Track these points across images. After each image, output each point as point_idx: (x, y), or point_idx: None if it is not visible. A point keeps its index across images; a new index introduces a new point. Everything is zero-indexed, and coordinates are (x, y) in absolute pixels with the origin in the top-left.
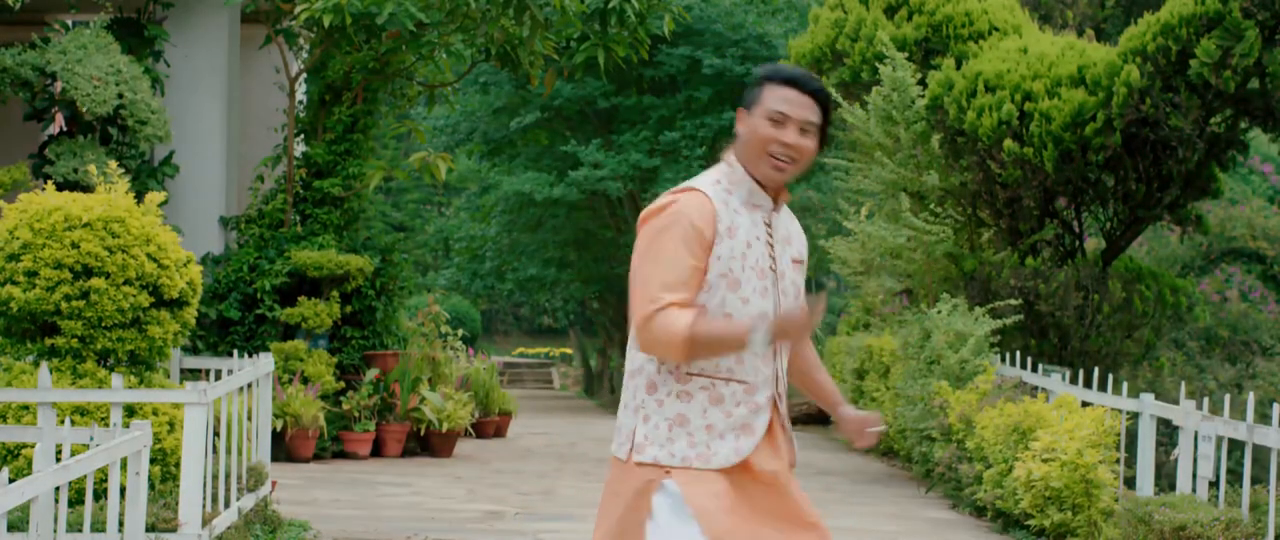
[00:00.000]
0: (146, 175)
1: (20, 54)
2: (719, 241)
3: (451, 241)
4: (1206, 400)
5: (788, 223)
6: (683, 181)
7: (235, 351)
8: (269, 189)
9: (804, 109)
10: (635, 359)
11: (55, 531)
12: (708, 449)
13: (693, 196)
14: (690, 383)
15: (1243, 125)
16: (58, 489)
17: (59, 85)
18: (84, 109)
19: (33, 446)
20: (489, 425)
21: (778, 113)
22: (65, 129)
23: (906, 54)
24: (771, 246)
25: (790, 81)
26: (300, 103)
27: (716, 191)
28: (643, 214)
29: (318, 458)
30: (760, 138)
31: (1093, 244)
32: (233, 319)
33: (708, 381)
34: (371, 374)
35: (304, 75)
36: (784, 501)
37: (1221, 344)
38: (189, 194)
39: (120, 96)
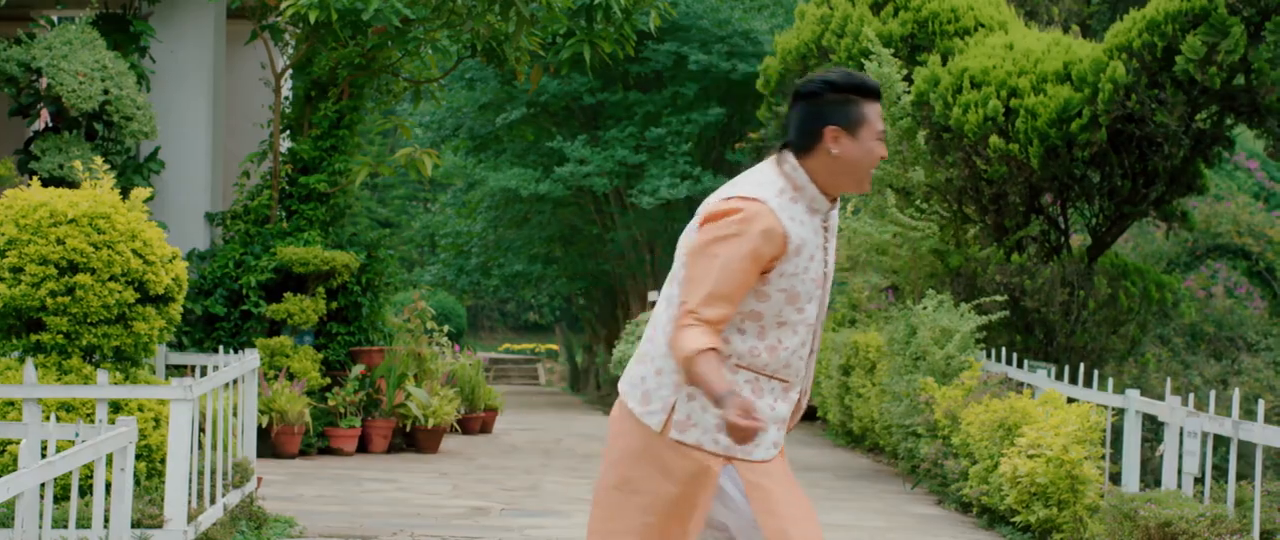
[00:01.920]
0: (132, 171)
1: (6, 50)
2: (786, 260)
3: (437, 237)
4: (1191, 396)
5: (833, 214)
6: (739, 182)
7: (221, 348)
8: (255, 185)
9: None
10: None
11: (41, 528)
12: (753, 445)
13: (762, 212)
14: (738, 373)
15: (1228, 121)
16: (43, 486)
17: (44, 81)
18: (69, 105)
19: (18, 443)
20: (475, 421)
21: (882, 131)
22: (50, 125)
23: (892, 50)
24: (826, 250)
25: (877, 94)
26: (286, 98)
27: (781, 203)
28: (707, 211)
29: (303, 454)
30: (873, 159)
31: (1078, 240)
32: (218, 315)
33: (753, 375)
34: (357, 370)
35: (290, 71)
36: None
37: (1207, 340)
38: (174, 190)
39: (106, 92)
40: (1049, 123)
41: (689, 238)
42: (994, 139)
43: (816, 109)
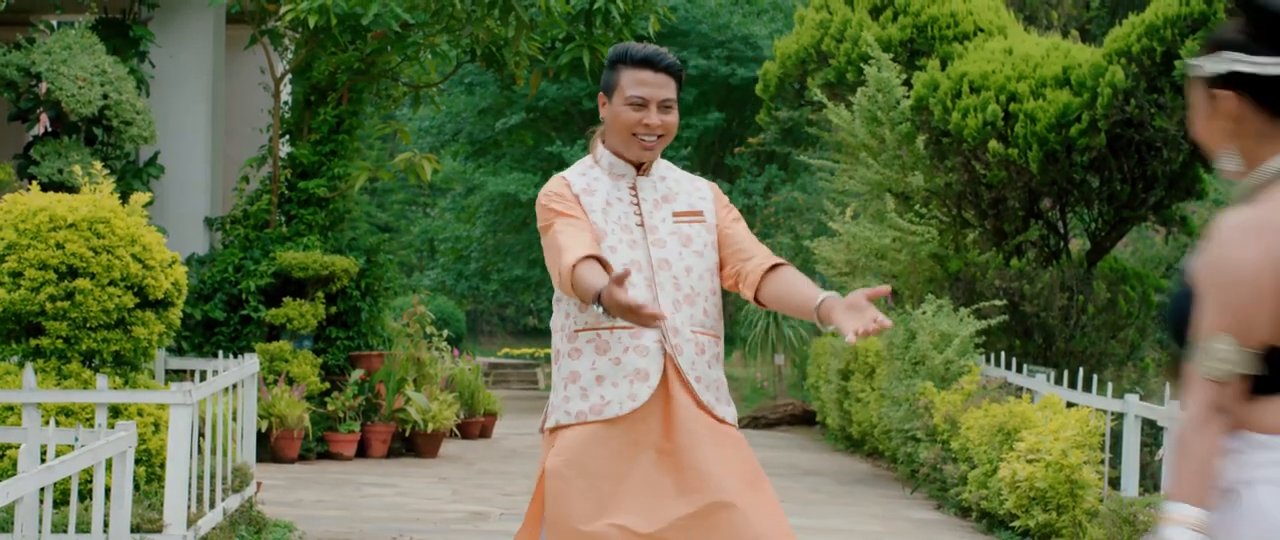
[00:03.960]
0: (131, 176)
1: (5, 55)
2: (579, 200)
3: (437, 242)
4: None
5: (668, 184)
6: None
7: (221, 352)
8: (254, 189)
9: (660, 88)
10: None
11: (40, 532)
12: (600, 399)
13: (552, 179)
14: (577, 338)
15: None
16: (43, 490)
17: (44, 86)
18: (69, 109)
19: (17, 447)
20: (474, 426)
21: (637, 97)
22: (50, 129)
23: (891, 55)
24: (638, 206)
25: (644, 62)
26: (285, 103)
27: (576, 169)
28: None
29: (303, 458)
30: (624, 123)
31: (1077, 245)
32: (218, 320)
33: (592, 333)
34: (356, 375)
35: (289, 76)
36: (679, 472)
37: None
38: (174, 194)
39: (105, 97)
40: (1048, 127)
41: None
42: (993, 143)
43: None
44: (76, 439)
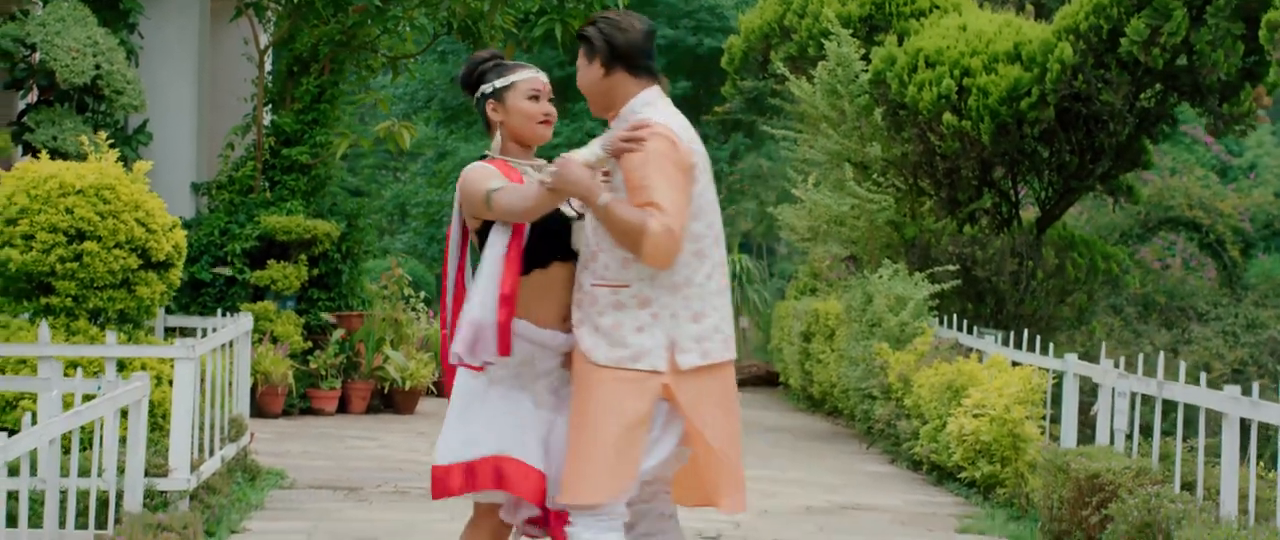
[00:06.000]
0: (121, 143)
1: (2, 26)
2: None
3: (408, 207)
4: (1123, 360)
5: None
6: None
7: (219, 311)
8: (239, 156)
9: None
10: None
11: (66, 476)
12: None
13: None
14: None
15: (1171, 100)
16: (68, 435)
17: (37, 56)
18: (62, 79)
19: (31, 397)
20: (449, 384)
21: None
22: (42, 98)
23: (851, 30)
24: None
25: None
26: (269, 74)
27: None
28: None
29: (286, 414)
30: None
31: (1028, 213)
32: (204, 281)
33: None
34: (337, 334)
35: (272, 48)
36: None
37: (1158, 310)
38: (161, 161)
39: (97, 67)
40: (1000, 101)
41: None
42: (947, 116)
43: None
44: (99, 388)
